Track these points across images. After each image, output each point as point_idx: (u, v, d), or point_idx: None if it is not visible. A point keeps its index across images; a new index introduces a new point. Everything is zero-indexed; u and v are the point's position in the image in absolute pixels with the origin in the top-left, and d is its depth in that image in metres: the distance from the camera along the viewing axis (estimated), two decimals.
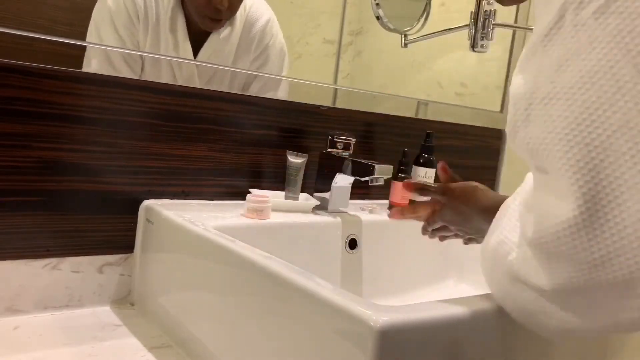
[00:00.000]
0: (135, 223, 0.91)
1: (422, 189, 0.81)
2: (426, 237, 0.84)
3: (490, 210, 0.63)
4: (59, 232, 0.85)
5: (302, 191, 1.06)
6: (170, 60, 0.99)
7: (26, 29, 0.80)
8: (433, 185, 0.81)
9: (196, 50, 1.02)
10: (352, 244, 1.03)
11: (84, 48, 0.87)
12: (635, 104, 0.36)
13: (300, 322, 0.59)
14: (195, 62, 0.99)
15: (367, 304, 0.53)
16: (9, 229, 0.81)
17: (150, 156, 0.92)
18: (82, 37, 0.86)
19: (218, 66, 1.01)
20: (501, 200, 0.60)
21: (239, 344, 0.68)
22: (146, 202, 0.91)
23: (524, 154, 0.43)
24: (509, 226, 0.51)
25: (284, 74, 1.13)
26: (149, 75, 0.95)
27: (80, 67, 0.85)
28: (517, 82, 0.44)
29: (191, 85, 0.97)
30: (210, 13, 1.00)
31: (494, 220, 0.56)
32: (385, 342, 0.49)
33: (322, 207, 1.06)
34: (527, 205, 0.46)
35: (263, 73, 1.09)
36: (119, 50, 0.91)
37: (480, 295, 0.59)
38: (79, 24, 0.87)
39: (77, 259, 0.86)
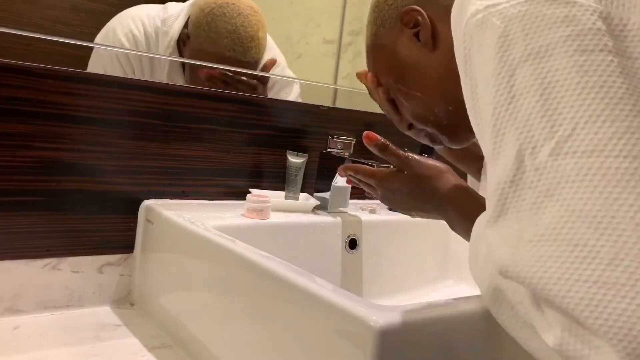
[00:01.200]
0: (135, 223, 0.91)
1: (384, 148, 0.75)
2: (426, 236, 0.84)
3: (453, 202, 0.66)
4: (59, 232, 0.85)
5: (302, 191, 1.06)
6: None
7: (26, 29, 0.80)
8: (396, 150, 0.76)
9: None
10: (352, 244, 1.03)
11: (84, 48, 0.87)
12: (619, 236, 0.37)
13: (300, 322, 0.59)
14: (200, 64, 0.99)
15: (367, 304, 0.53)
16: (9, 229, 0.81)
17: (150, 156, 0.92)
18: (82, 37, 0.86)
19: (221, 68, 1.01)
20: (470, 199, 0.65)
21: (238, 344, 0.68)
22: (146, 202, 0.91)
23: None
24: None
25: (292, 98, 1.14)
26: None
27: (80, 67, 0.85)
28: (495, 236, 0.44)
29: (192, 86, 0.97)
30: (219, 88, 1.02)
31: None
32: (385, 342, 0.49)
33: (322, 207, 1.06)
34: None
35: (264, 74, 1.09)
36: (120, 50, 0.91)
37: (479, 296, 0.59)
38: (79, 24, 0.87)
39: (77, 259, 0.86)
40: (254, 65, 1.04)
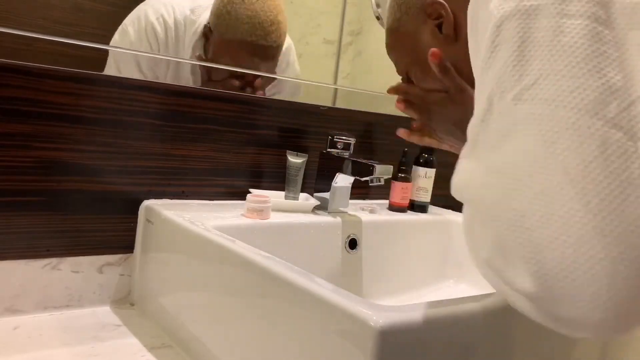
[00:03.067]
0: (135, 223, 0.91)
1: (446, 70, 0.74)
2: (426, 236, 0.84)
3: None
4: (59, 232, 0.85)
5: (302, 191, 1.06)
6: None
7: (26, 29, 0.80)
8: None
9: None
10: (352, 244, 1.03)
11: (84, 48, 0.87)
12: (548, 175, 0.41)
13: (300, 322, 0.59)
14: (213, 65, 0.99)
15: (367, 304, 0.53)
16: (9, 229, 0.81)
17: (150, 156, 0.92)
18: (82, 37, 0.86)
19: (226, 68, 1.01)
20: None
21: (239, 344, 0.68)
22: (146, 202, 0.91)
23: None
24: None
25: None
26: None
27: (81, 67, 0.85)
28: (463, 166, 0.50)
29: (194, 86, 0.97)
30: (238, 89, 1.03)
31: None
32: (385, 342, 0.49)
33: (322, 207, 1.06)
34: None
35: (265, 74, 1.09)
36: (130, 52, 0.91)
37: (480, 295, 0.59)
38: (79, 24, 0.87)
39: (77, 259, 0.86)
40: (275, 49, 1.05)
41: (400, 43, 0.76)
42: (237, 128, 1.02)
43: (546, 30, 0.44)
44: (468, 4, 0.56)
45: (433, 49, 0.76)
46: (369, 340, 0.49)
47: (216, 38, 1.00)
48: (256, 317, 0.66)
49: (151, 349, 0.77)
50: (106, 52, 0.91)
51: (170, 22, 0.96)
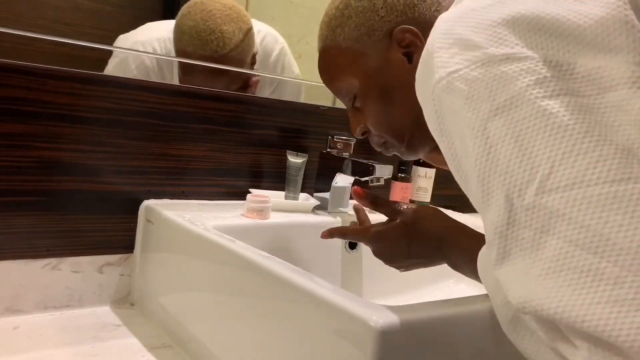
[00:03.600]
0: (135, 223, 0.91)
1: (375, 200, 0.77)
2: None
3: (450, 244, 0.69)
4: (59, 232, 0.85)
5: (302, 191, 1.06)
6: None
7: (26, 29, 0.80)
8: (386, 200, 0.78)
9: None
10: (352, 244, 1.03)
11: (84, 48, 0.87)
12: (618, 256, 0.40)
13: (300, 322, 0.59)
14: (207, 65, 0.99)
15: (367, 304, 0.53)
16: (9, 229, 0.81)
17: (150, 156, 0.92)
18: (82, 37, 0.86)
19: (228, 68, 1.01)
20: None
21: (238, 344, 0.68)
22: (146, 202, 0.91)
23: None
24: None
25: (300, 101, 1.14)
26: None
27: (81, 67, 0.85)
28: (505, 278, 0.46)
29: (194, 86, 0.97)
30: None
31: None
32: (385, 342, 0.49)
33: (322, 207, 1.06)
34: None
35: (278, 76, 1.09)
36: (130, 52, 0.91)
37: (479, 296, 0.59)
38: (79, 24, 0.87)
39: (77, 259, 0.86)
40: (219, 60, 1.01)
41: (354, 64, 0.70)
42: (237, 128, 1.02)
43: (534, 117, 0.45)
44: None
45: (355, 188, 0.77)
46: (369, 340, 0.49)
47: (175, 52, 0.99)
48: (256, 317, 0.66)
49: (151, 349, 0.77)
50: (106, 52, 0.91)
51: (153, 66, 0.96)
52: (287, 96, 1.13)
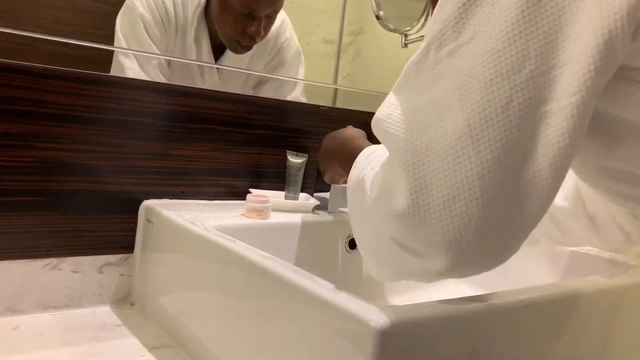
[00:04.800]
0: (135, 223, 0.91)
1: None
2: None
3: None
4: (59, 232, 0.85)
5: (302, 191, 1.06)
6: (195, 70, 1.01)
7: (26, 29, 0.80)
8: None
9: (216, 58, 1.03)
10: (352, 244, 1.03)
11: (84, 48, 0.87)
12: (445, 130, 0.45)
13: (300, 322, 0.59)
14: (213, 65, 0.99)
15: (367, 304, 0.53)
16: (9, 229, 0.81)
17: (150, 156, 0.92)
18: (82, 37, 0.86)
19: (238, 69, 1.01)
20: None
21: (239, 344, 0.68)
22: (146, 202, 0.91)
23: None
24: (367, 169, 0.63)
25: (300, 75, 1.13)
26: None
27: (81, 67, 0.85)
28: (389, 99, 0.54)
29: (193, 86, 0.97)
30: (244, 41, 1.03)
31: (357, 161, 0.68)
32: (385, 342, 0.49)
33: (322, 207, 1.06)
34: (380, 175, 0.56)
35: (278, 76, 1.09)
36: (133, 52, 0.91)
37: (480, 296, 0.59)
38: (79, 24, 0.87)
39: (77, 259, 0.86)
40: None
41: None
42: (237, 128, 1.02)
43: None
44: None
45: None
46: (369, 340, 0.49)
47: None
48: (256, 317, 0.66)
49: (151, 349, 0.77)
50: (106, 51, 0.91)
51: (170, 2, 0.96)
52: (288, 65, 1.13)
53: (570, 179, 0.79)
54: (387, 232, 0.51)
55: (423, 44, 0.50)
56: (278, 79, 1.12)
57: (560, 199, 0.82)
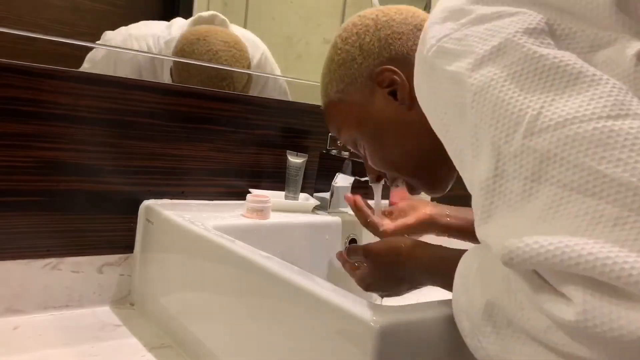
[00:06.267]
0: (135, 223, 0.91)
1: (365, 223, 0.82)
2: (426, 236, 0.83)
3: (434, 269, 0.62)
4: (59, 232, 0.85)
5: (302, 191, 1.06)
6: None
7: (26, 29, 0.80)
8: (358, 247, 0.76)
9: None
10: (352, 244, 1.03)
11: (84, 48, 0.87)
12: (617, 194, 0.37)
13: (300, 322, 0.59)
14: (210, 65, 0.99)
15: (367, 304, 0.53)
16: (9, 229, 0.81)
17: (150, 156, 0.92)
18: (82, 37, 0.86)
19: (223, 67, 1.01)
20: (445, 255, 0.60)
21: (238, 344, 0.68)
22: (146, 202, 0.91)
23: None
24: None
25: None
26: None
27: (80, 67, 0.85)
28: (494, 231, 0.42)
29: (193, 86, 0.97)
30: None
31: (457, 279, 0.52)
32: (385, 342, 0.49)
33: (322, 207, 1.06)
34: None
35: (277, 75, 1.09)
36: (124, 51, 0.91)
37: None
38: (79, 24, 0.87)
39: (77, 259, 0.86)
40: (241, 88, 1.04)
41: (347, 115, 0.71)
42: (237, 128, 1.02)
43: (523, 60, 0.43)
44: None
45: (337, 253, 0.78)
46: (369, 340, 0.49)
47: (176, 79, 0.99)
48: (256, 317, 0.66)
49: (151, 349, 0.77)
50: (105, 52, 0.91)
51: (145, 62, 0.95)
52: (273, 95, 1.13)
53: None
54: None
55: (483, 156, 0.43)
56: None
57: None
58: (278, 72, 1.12)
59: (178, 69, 0.98)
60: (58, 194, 0.84)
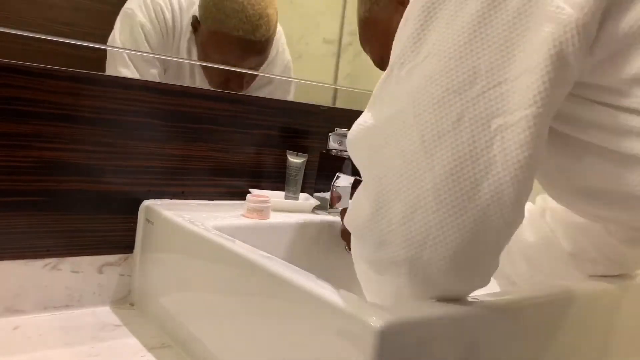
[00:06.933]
0: (135, 223, 0.91)
1: None
2: None
3: None
4: (59, 232, 0.85)
5: (302, 191, 1.06)
6: (193, 73, 1.01)
7: (26, 29, 0.80)
8: None
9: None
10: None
11: (84, 48, 0.87)
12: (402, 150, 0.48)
13: (300, 322, 0.59)
14: (207, 65, 0.99)
15: (367, 304, 0.53)
16: (9, 229, 0.81)
17: (150, 156, 0.92)
18: (82, 37, 0.86)
19: (233, 69, 1.01)
20: None
21: (238, 344, 0.68)
22: (146, 202, 0.91)
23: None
24: None
25: (289, 98, 1.13)
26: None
27: (80, 67, 0.85)
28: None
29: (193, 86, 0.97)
30: (228, 90, 1.02)
31: None
32: (385, 342, 0.49)
33: (322, 207, 1.06)
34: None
35: (277, 76, 1.09)
36: (128, 52, 0.91)
37: (480, 295, 0.59)
38: (80, 24, 0.87)
39: (77, 259, 0.86)
40: (264, 44, 1.02)
41: (371, 33, 0.79)
42: (237, 128, 1.02)
43: (450, 7, 0.47)
44: None
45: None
46: (369, 340, 0.49)
47: (204, 31, 0.98)
48: (256, 317, 0.66)
49: (151, 349, 0.77)
50: (105, 52, 0.91)
51: (177, 7, 0.95)
52: (276, 81, 1.13)
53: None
54: (357, 253, 0.53)
55: (390, 64, 0.52)
56: (272, 83, 1.11)
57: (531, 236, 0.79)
58: (287, 53, 1.12)
59: (211, 11, 0.97)
60: (58, 194, 0.84)
